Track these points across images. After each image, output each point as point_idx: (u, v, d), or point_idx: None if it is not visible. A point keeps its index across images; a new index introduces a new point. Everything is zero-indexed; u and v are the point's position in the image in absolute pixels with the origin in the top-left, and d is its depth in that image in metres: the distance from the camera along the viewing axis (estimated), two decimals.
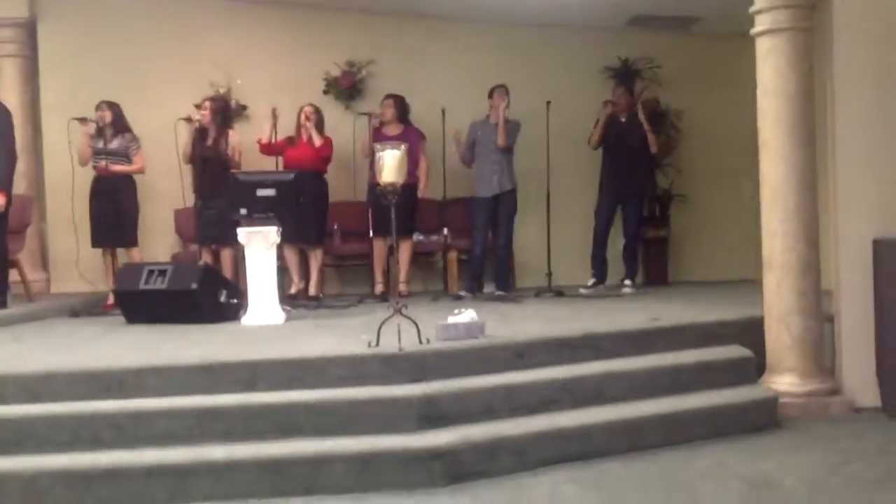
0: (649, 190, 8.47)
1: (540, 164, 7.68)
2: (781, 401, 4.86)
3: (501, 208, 7.54)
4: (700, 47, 8.69)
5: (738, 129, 7.17)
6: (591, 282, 7.77)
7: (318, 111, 7.59)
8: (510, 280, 7.94)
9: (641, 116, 7.81)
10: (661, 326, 5.28)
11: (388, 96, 7.83)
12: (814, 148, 5.02)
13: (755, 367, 5.09)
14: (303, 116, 7.48)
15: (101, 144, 7.30)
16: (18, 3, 8.29)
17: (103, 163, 7.26)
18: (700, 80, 8.63)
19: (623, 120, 7.85)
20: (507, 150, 7.52)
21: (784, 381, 4.99)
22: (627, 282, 7.85)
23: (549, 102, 7.60)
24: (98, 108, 7.34)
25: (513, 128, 7.52)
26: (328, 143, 7.52)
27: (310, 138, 7.43)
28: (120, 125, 7.35)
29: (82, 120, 7.29)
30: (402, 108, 7.78)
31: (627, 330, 5.17)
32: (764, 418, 4.75)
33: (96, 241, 7.37)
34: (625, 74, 8.54)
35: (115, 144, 7.30)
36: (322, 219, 7.51)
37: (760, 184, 5.14)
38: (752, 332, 5.22)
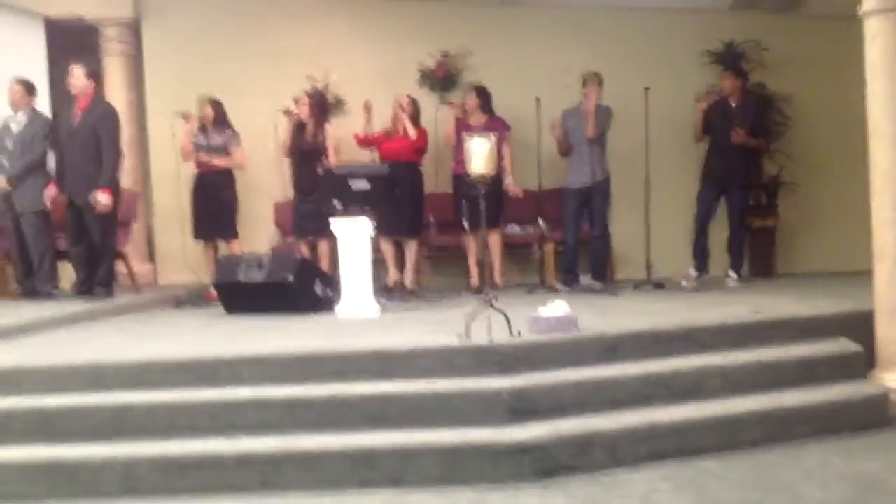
0: (754, 178, 8.15)
1: (638, 152, 7.49)
2: (893, 397, 4.60)
3: (595, 198, 7.38)
4: (809, 29, 8.31)
5: (851, 113, 6.82)
6: (693, 273, 7.54)
7: (413, 102, 7.60)
8: (608, 272, 7.76)
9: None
10: (762, 320, 5.04)
11: (471, 86, 7.78)
12: None
13: (864, 363, 4.83)
14: (398, 107, 7.50)
15: (203, 140, 7.50)
16: (123, 3, 8.61)
17: (205, 157, 7.46)
18: (809, 63, 8.24)
19: (734, 104, 7.59)
20: (600, 139, 7.37)
21: None
22: (732, 273, 7.56)
23: (647, 89, 7.40)
24: (201, 104, 7.55)
25: (603, 113, 7.35)
26: (423, 134, 7.52)
27: (405, 130, 7.44)
28: (221, 121, 7.55)
29: (186, 115, 7.50)
30: (485, 97, 7.69)
31: (726, 324, 4.96)
32: (873, 416, 4.50)
33: (198, 234, 7.58)
34: (728, 58, 8.25)
35: (216, 140, 7.50)
36: (418, 210, 7.51)
37: (871, 171, 4.87)
38: (861, 325, 4.94)
